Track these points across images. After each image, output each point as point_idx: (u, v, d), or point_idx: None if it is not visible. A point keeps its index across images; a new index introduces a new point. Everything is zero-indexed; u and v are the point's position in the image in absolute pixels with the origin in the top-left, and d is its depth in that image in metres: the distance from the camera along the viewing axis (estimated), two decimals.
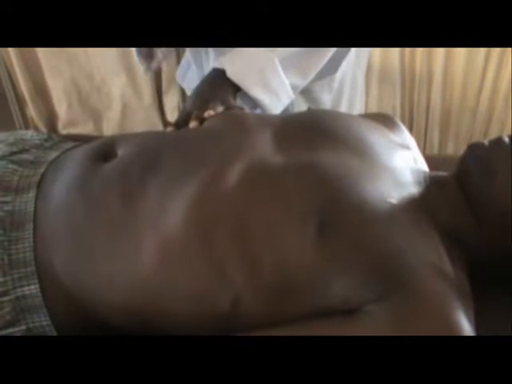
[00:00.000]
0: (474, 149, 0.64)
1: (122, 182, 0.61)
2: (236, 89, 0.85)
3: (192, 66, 1.17)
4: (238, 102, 0.86)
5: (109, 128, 2.28)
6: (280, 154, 0.63)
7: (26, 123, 2.32)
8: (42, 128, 2.30)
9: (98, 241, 0.59)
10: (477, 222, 0.62)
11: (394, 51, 1.89)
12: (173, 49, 1.09)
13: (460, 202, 0.64)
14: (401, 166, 0.67)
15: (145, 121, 2.21)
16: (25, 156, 0.68)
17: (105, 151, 0.67)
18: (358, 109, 1.21)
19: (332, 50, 0.96)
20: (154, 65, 1.06)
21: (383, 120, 0.80)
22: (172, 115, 2.20)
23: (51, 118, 2.33)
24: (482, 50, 1.79)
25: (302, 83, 0.95)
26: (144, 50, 1.01)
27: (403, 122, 0.91)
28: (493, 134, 1.88)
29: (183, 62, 1.23)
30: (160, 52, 1.03)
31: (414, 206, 0.61)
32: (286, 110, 0.93)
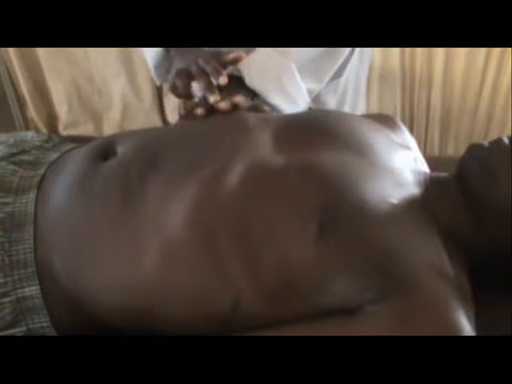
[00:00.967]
0: (474, 150, 0.64)
1: (121, 181, 0.61)
2: (253, 95, 0.85)
3: None
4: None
5: (109, 129, 2.28)
6: (281, 154, 0.63)
7: (27, 124, 2.32)
8: (43, 129, 2.30)
9: (98, 241, 0.59)
10: (477, 222, 0.62)
11: (395, 52, 1.89)
12: None
13: (460, 203, 0.64)
14: (401, 166, 0.67)
15: (145, 122, 2.21)
16: (25, 157, 0.68)
17: (104, 149, 0.67)
18: (361, 110, 1.22)
19: (344, 54, 0.97)
20: (170, 78, 1.06)
21: (384, 120, 0.80)
22: (172, 116, 2.20)
23: (51, 119, 2.33)
24: (482, 51, 1.79)
25: (317, 87, 0.96)
26: (163, 65, 1.00)
27: (404, 122, 0.91)
28: (493, 135, 1.88)
29: None
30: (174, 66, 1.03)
31: (414, 206, 0.61)
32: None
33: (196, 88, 0.78)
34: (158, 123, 2.22)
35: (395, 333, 0.50)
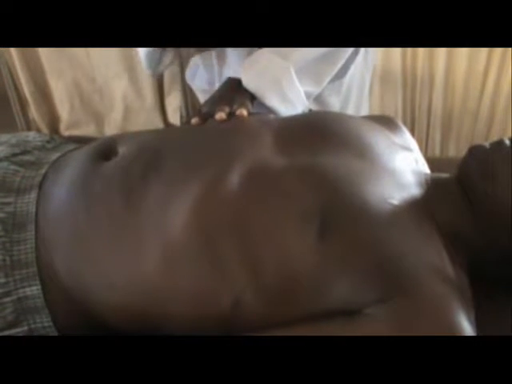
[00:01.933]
0: (475, 151, 0.64)
1: (123, 181, 0.61)
2: (252, 97, 0.85)
3: (200, 67, 1.17)
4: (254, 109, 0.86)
5: (111, 129, 2.28)
6: (281, 155, 0.63)
7: (28, 125, 2.32)
8: (44, 130, 2.31)
9: (99, 241, 0.59)
10: (477, 223, 0.62)
11: (396, 53, 1.89)
12: (178, 53, 1.09)
13: (461, 204, 0.64)
14: (402, 167, 0.67)
15: (147, 122, 2.21)
16: (26, 157, 0.68)
17: (106, 150, 0.67)
18: (365, 110, 1.22)
19: (344, 58, 0.97)
20: (161, 69, 1.06)
21: (385, 122, 0.80)
22: (174, 117, 2.20)
23: (53, 120, 2.33)
24: (484, 52, 1.78)
25: (316, 90, 0.96)
26: (154, 55, 1.00)
27: (405, 123, 0.91)
28: (494, 136, 1.88)
29: (192, 62, 1.23)
30: (166, 57, 1.03)
31: (415, 207, 0.61)
32: None
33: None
34: (160, 124, 2.22)
35: (396, 334, 0.50)
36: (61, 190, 0.63)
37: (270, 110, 0.87)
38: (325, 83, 0.97)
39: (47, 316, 0.59)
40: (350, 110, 1.15)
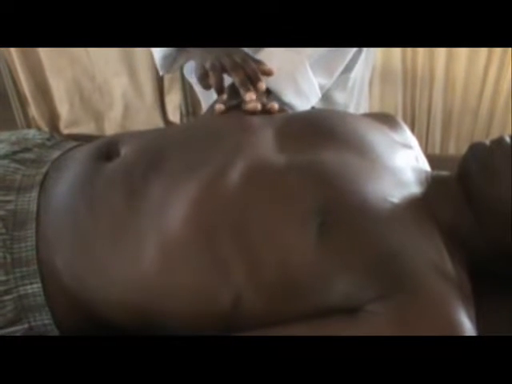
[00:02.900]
0: (475, 149, 0.64)
1: (124, 181, 0.61)
2: (267, 92, 0.85)
3: None
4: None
5: (110, 128, 2.28)
6: (282, 153, 0.63)
7: (28, 123, 2.31)
8: (44, 127, 2.30)
9: (100, 240, 0.59)
10: (478, 221, 0.62)
11: (396, 51, 1.88)
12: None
13: (461, 202, 0.64)
14: (402, 165, 0.67)
15: (147, 121, 2.20)
16: (27, 155, 0.68)
17: (107, 150, 0.67)
18: (364, 110, 1.22)
19: (353, 50, 0.98)
20: (175, 68, 1.05)
21: (385, 120, 0.80)
22: (174, 115, 2.20)
23: (53, 118, 2.33)
24: (484, 51, 1.78)
25: (328, 82, 0.97)
26: (170, 55, 0.99)
27: (405, 121, 0.92)
28: (494, 134, 1.88)
29: None
30: (181, 57, 1.02)
31: (415, 205, 0.61)
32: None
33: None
34: (160, 122, 2.21)
35: (396, 332, 0.50)
36: (62, 188, 0.63)
37: (284, 104, 0.87)
38: (336, 74, 0.98)
39: (47, 314, 0.59)
40: (352, 108, 1.15)
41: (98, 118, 2.30)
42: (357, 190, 0.58)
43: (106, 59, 2.12)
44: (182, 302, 0.57)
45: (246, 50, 0.85)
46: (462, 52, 1.80)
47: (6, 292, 0.58)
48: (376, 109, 1.98)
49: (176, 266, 0.57)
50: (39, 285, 0.59)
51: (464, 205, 0.63)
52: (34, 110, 2.29)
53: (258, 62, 0.80)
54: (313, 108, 0.89)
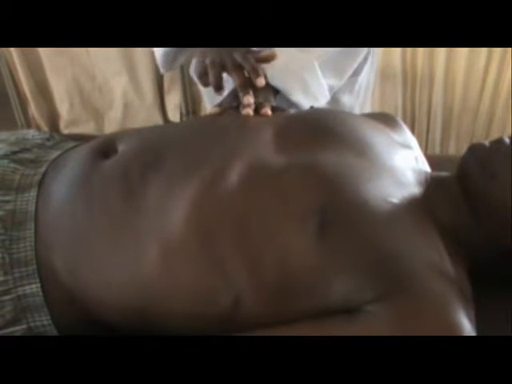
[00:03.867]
0: (474, 149, 0.64)
1: (122, 179, 0.61)
2: (275, 92, 0.85)
3: None
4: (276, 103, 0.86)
5: (110, 127, 2.28)
6: (281, 153, 0.63)
7: (28, 122, 2.31)
8: (44, 127, 2.30)
9: (98, 240, 0.59)
10: (477, 222, 0.62)
11: (396, 51, 1.88)
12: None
13: (461, 203, 0.64)
14: (402, 165, 0.67)
15: (146, 120, 2.20)
16: (26, 155, 0.68)
17: (105, 148, 0.67)
18: (367, 111, 1.22)
19: (363, 53, 0.98)
20: (175, 67, 1.05)
21: (385, 120, 0.80)
22: (174, 114, 2.20)
23: (53, 118, 2.32)
24: (484, 50, 1.78)
25: (338, 84, 0.97)
26: (170, 53, 0.99)
27: (405, 121, 0.91)
28: (494, 135, 1.88)
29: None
30: (182, 56, 1.02)
31: (415, 205, 0.61)
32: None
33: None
34: (160, 121, 2.21)
35: (395, 332, 0.50)
36: (61, 188, 0.63)
37: (292, 104, 0.87)
38: (347, 76, 0.97)
39: (46, 314, 0.59)
40: (357, 110, 1.15)
41: (98, 117, 2.30)
42: (356, 191, 0.58)
43: (105, 59, 2.12)
44: (182, 303, 0.57)
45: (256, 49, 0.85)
46: (462, 52, 1.80)
47: (5, 292, 0.58)
48: (376, 109, 1.98)
49: (175, 266, 0.56)
50: (38, 285, 0.59)
51: (463, 205, 0.63)
52: (33, 110, 2.29)
53: (259, 52, 0.79)
54: (311, 107, 0.89)
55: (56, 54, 2.13)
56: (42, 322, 0.59)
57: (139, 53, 2.04)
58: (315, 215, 0.55)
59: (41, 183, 0.64)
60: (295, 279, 0.55)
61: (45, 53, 2.14)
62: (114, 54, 2.08)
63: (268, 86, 0.84)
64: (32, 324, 0.59)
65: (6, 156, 0.67)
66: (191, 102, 2.14)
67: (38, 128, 2.27)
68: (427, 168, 0.75)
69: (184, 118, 2.15)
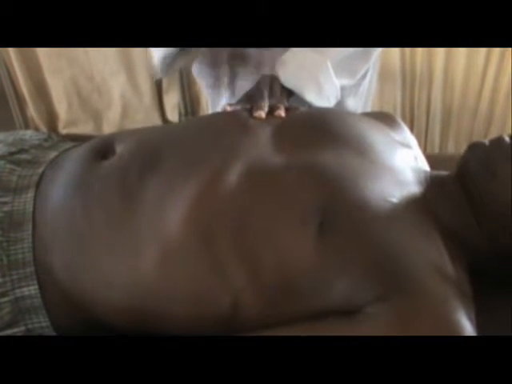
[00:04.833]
0: (474, 148, 0.64)
1: (120, 180, 0.61)
2: (288, 93, 0.86)
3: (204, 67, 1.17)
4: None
5: (109, 128, 2.28)
6: (280, 153, 0.63)
7: (26, 123, 2.32)
8: (43, 128, 2.30)
9: (97, 241, 0.59)
10: (477, 221, 0.62)
11: (395, 50, 1.88)
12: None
13: (460, 202, 0.63)
14: (402, 165, 0.67)
15: (145, 120, 2.21)
16: (23, 156, 0.68)
17: (103, 149, 0.66)
18: (367, 110, 1.22)
19: (375, 56, 0.98)
20: (173, 70, 1.05)
21: (384, 119, 0.80)
22: (172, 114, 2.20)
23: (51, 118, 2.33)
24: (483, 50, 1.78)
25: (350, 83, 0.97)
26: (169, 56, 0.99)
27: (404, 120, 0.92)
28: (493, 133, 1.88)
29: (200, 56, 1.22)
30: (181, 59, 1.02)
31: (414, 205, 0.61)
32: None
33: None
34: (158, 122, 2.22)
35: (396, 333, 0.50)
36: (58, 189, 0.63)
37: (304, 104, 0.87)
38: (358, 76, 0.98)
39: (45, 316, 0.59)
40: (359, 112, 1.15)
41: (97, 117, 2.31)
42: (356, 190, 0.58)
43: (104, 59, 2.12)
44: (181, 304, 0.57)
45: (275, 49, 0.86)
46: (461, 51, 1.81)
47: (3, 294, 0.58)
48: (375, 108, 1.98)
49: (174, 267, 0.56)
50: (36, 287, 0.59)
51: (463, 205, 0.63)
52: (32, 110, 2.29)
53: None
54: (310, 107, 0.89)
55: (54, 55, 2.14)
56: (41, 324, 0.59)
57: (137, 53, 2.04)
58: (315, 215, 0.55)
59: (38, 184, 0.64)
60: (295, 280, 0.54)
61: (43, 53, 2.14)
62: (112, 55, 2.09)
63: (282, 87, 0.86)
64: (30, 326, 0.59)
65: (3, 157, 0.66)
66: (190, 102, 2.14)
67: (37, 128, 2.27)
68: (426, 167, 0.75)
69: (182, 118, 2.15)
